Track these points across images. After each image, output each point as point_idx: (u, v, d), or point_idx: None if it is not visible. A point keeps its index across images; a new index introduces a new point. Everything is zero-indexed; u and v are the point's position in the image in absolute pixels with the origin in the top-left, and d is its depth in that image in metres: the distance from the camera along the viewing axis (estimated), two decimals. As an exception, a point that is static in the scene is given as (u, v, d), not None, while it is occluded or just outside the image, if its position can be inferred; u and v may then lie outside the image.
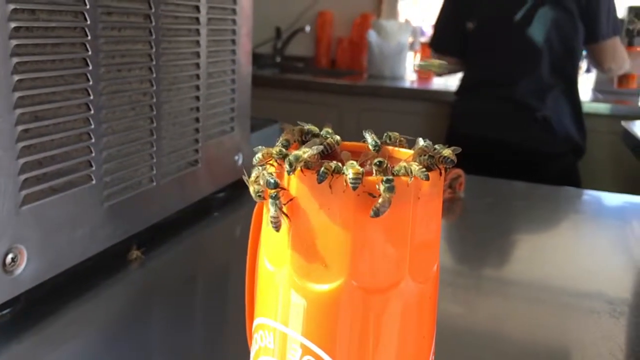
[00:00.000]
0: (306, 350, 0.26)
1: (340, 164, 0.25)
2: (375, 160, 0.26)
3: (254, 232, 0.33)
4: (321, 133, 0.31)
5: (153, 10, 0.56)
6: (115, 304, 0.52)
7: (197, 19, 0.64)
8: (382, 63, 2.40)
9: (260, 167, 0.28)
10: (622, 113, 1.98)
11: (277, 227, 0.26)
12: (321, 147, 0.28)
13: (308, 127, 0.30)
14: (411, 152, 0.30)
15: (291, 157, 0.26)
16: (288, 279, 0.27)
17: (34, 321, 0.47)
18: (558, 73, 1.63)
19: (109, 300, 0.52)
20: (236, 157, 0.76)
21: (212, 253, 0.65)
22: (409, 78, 2.47)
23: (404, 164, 0.26)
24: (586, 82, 2.35)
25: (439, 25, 1.80)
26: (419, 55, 2.57)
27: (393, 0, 2.61)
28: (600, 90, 2.29)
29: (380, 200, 0.24)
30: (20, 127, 0.43)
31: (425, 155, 0.27)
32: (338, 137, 0.31)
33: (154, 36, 0.57)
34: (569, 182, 1.54)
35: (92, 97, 0.50)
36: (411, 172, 0.25)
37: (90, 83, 0.49)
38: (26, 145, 0.44)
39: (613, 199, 0.95)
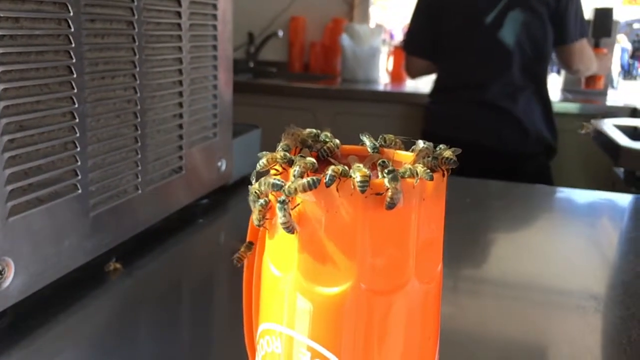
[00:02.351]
0: (315, 354, 0.26)
1: (347, 168, 0.25)
2: (379, 161, 0.26)
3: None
4: (320, 137, 0.31)
5: (136, 17, 0.55)
6: (104, 315, 0.51)
7: (179, 24, 0.63)
8: (355, 67, 2.41)
9: (262, 178, 0.28)
10: (591, 112, 2.03)
11: (291, 231, 0.26)
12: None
13: (308, 131, 0.31)
14: (410, 154, 0.30)
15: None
16: (296, 283, 0.27)
17: (22, 335, 0.46)
18: (528, 74, 1.67)
19: (98, 312, 0.51)
20: (219, 164, 0.76)
21: (200, 260, 0.65)
22: (382, 81, 2.49)
23: (409, 166, 0.26)
24: (555, 83, 2.40)
25: (412, 28, 1.82)
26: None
27: (365, 4, 2.63)
28: (569, 90, 2.35)
29: (389, 193, 0.24)
30: (6, 137, 0.42)
31: (428, 157, 0.27)
32: (337, 141, 0.31)
33: (137, 43, 0.56)
34: (542, 181, 1.57)
35: (77, 105, 0.49)
36: (417, 174, 0.25)
37: (75, 91, 0.49)
38: (12, 155, 0.43)
39: (587, 196, 0.98)
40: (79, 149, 0.50)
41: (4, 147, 0.42)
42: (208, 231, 0.72)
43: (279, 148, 0.29)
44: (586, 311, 0.54)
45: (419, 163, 0.27)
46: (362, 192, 0.25)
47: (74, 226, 0.50)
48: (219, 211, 0.76)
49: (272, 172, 0.28)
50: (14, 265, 0.44)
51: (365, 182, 0.25)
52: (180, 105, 0.65)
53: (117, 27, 0.54)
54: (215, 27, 0.71)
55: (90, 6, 0.50)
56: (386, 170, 0.25)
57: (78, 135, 0.49)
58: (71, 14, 0.47)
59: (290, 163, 0.27)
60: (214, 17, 0.71)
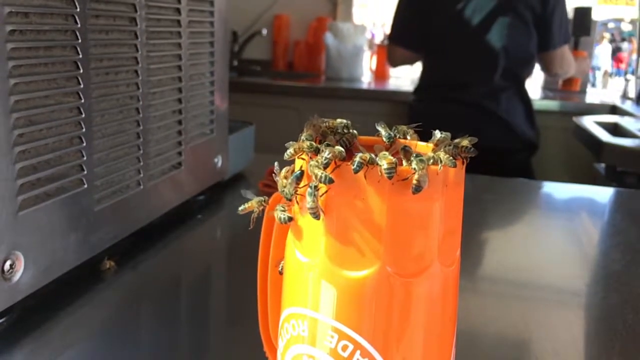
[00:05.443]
0: (342, 336, 0.27)
1: (373, 156, 0.26)
2: (402, 146, 0.28)
3: (266, 234, 0.34)
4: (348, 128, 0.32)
5: (138, 13, 0.56)
6: (108, 310, 0.51)
7: (179, 21, 0.64)
8: (339, 65, 2.43)
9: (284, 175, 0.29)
10: (571, 109, 2.07)
11: (317, 217, 0.27)
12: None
13: (339, 121, 0.32)
14: (426, 144, 0.32)
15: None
16: (323, 268, 0.28)
17: (31, 328, 0.46)
18: (510, 76, 1.69)
19: (102, 306, 0.51)
20: (216, 160, 0.76)
21: (201, 255, 0.65)
22: (366, 79, 2.51)
23: (432, 154, 0.27)
24: (535, 81, 2.44)
25: (398, 19, 1.83)
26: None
27: (348, 3, 2.65)
28: (548, 88, 2.39)
29: (416, 175, 0.25)
30: (16, 132, 0.42)
31: (449, 145, 0.28)
32: (355, 132, 0.32)
33: (139, 39, 0.56)
34: (525, 177, 1.60)
35: (83, 101, 0.49)
36: (440, 161, 0.27)
37: (81, 86, 0.49)
38: (22, 149, 0.43)
39: (573, 190, 1.00)
40: (84, 143, 0.50)
41: (15, 141, 0.42)
42: (208, 226, 0.72)
43: (303, 138, 0.30)
44: (581, 300, 0.55)
45: (441, 151, 0.28)
46: (390, 178, 0.26)
47: (80, 221, 0.51)
48: (216, 207, 0.77)
49: (298, 161, 0.29)
50: (24, 259, 0.44)
51: (392, 168, 0.26)
52: (180, 101, 0.66)
53: (120, 23, 0.54)
54: (212, 23, 0.72)
55: (95, 2, 0.50)
56: (414, 154, 0.26)
57: (84, 130, 0.50)
58: (77, 9, 0.47)
59: (317, 152, 0.28)
60: (211, 14, 0.71)
